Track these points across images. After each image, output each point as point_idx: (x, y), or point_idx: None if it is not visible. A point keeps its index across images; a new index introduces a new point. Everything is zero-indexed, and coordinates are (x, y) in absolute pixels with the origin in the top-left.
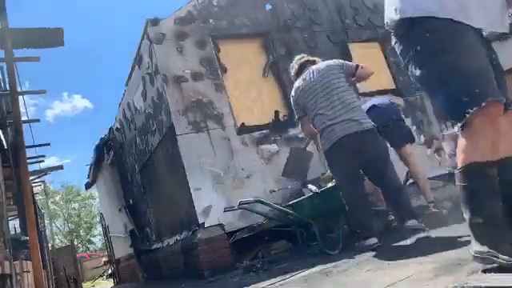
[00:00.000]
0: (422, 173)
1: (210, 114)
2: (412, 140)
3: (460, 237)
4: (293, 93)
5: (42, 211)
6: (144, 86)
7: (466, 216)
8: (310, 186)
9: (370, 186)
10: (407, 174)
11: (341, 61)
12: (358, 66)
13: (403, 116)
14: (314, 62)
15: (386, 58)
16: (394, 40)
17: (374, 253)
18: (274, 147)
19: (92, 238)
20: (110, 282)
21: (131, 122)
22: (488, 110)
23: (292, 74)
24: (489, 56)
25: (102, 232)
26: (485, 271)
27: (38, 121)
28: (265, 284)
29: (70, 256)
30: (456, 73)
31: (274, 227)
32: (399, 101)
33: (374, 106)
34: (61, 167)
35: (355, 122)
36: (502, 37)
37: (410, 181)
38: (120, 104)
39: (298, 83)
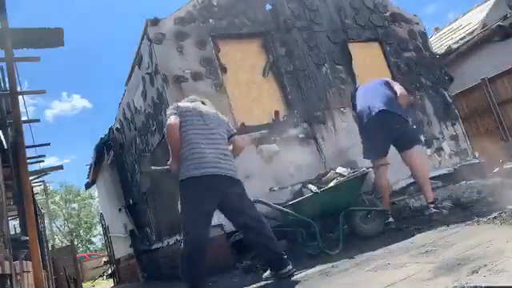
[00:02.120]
0: (426, 173)
1: None
2: (419, 141)
3: (460, 237)
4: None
5: (42, 211)
6: (144, 86)
7: None
8: (310, 186)
9: (386, 183)
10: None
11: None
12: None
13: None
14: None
15: (385, 57)
16: None
17: (373, 253)
18: (273, 147)
19: (92, 238)
20: (110, 282)
21: (131, 122)
22: None
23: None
24: None
25: (102, 232)
26: None
27: (37, 121)
28: (265, 284)
29: (70, 256)
30: None
31: (274, 227)
32: None
33: (383, 111)
34: (61, 167)
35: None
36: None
37: (411, 180)
38: (120, 104)
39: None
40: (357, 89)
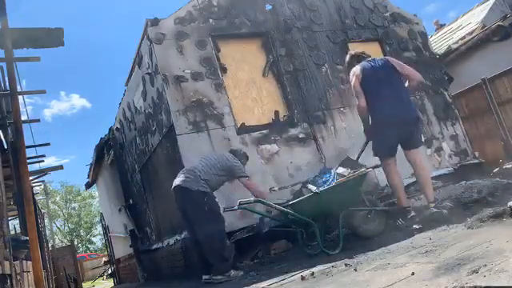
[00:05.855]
0: (427, 173)
1: (210, 114)
2: (423, 142)
3: (460, 237)
4: None
5: (42, 211)
6: (144, 86)
7: None
8: (310, 186)
9: (398, 181)
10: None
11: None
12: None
13: None
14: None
15: None
16: None
17: (373, 253)
18: (273, 147)
19: (92, 238)
20: (110, 282)
21: (131, 122)
22: None
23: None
24: None
25: (102, 232)
26: None
27: (38, 121)
28: (265, 284)
29: (70, 256)
30: None
31: (273, 227)
32: None
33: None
34: (61, 167)
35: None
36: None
37: (411, 180)
38: (120, 104)
39: None
40: (356, 61)
